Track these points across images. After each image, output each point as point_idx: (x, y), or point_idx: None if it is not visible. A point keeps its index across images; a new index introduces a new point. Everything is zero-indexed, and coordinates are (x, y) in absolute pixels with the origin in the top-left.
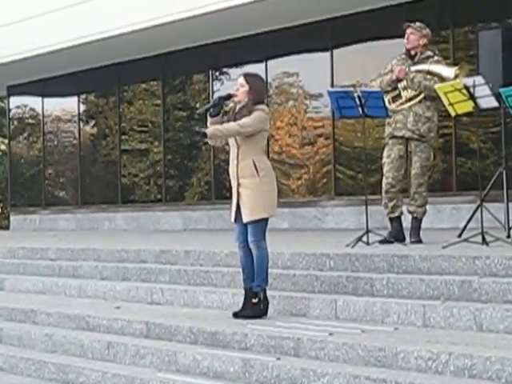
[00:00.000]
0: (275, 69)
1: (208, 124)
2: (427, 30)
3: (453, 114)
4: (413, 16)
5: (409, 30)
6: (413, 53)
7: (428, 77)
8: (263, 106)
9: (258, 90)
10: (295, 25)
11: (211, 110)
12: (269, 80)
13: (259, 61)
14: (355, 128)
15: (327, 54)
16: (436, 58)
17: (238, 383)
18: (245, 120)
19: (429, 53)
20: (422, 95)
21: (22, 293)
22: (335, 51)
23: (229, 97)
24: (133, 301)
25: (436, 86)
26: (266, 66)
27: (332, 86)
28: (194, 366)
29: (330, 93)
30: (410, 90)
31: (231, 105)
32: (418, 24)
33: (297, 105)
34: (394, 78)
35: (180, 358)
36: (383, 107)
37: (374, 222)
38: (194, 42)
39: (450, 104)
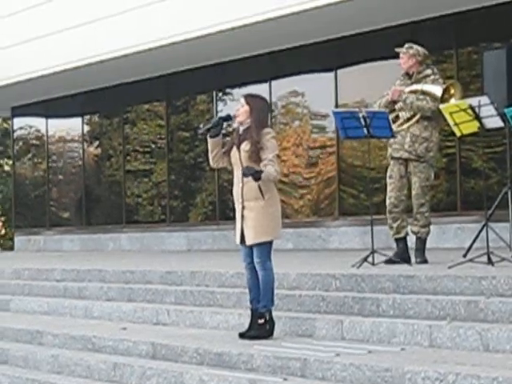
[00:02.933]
0: (280, 89)
1: (209, 146)
2: (414, 47)
3: (458, 134)
4: (417, 36)
5: (401, 54)
6: (410, 72)
7: (421, 97)
8: (270, 130)
9: (260, 111)
10: (299, 45)
11: (211, 130)
12: (273, 100)
13: (263, 81)
14: (360, 148)
15: (331, 74)
16: (433, 76)
17: None
18: (276, 167)
19: (427, 72)
20: (418, 115)
21: (27, 314)
22: (339, 71)
23: (228, 117)
24: (139, 322)
25: (441, 107)
26: (270, 86)
27: (336, 106)
28: None
29: (334, 113)
30: (406, 111)
31: (235, 125)
32: (405, 46)
33: (302, 125)
34: (390, 99)
35: (186, 379)
36: (388, 127)
37: (379, 242)
38: (198, 62)
39: (456, 124)
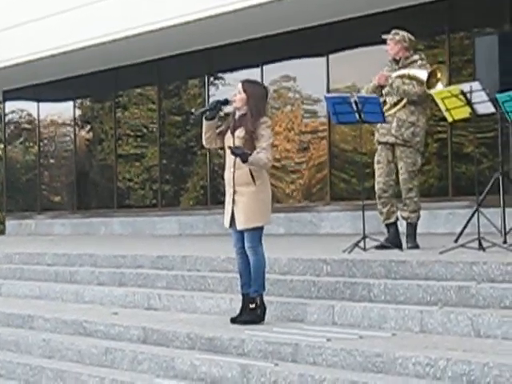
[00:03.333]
0: (271, 74)
1: (203, 128)
2: (400, 34)
3: (450, 119)
4: (409, 21)
5: (388, 40)
6: (397, 58)
7: (407, 81)
8: (266, 119)
9: (257, 99)
10: (291, 30)
11: (207, 113)
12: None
13: (255, 66)
14: (351, 133)
15: (323, 59)
16: (420, 62)
17: None
18: (267, 155)
19: (415, 57)
20: (404, 100)
21: (18, 298)
22: (331, 56)
23: (226, 102)
24: (130, 306)
25: (433, 92)
26: (262, 70)
27: (328, 90)
28: (192, 372)
29: (326, 98)
30: (393, 96)
31: (230, 109)
32: (392, 32)
33: (293, 109)
34: (376, 83)
35: (178, 364)
36: (380, 113)
37: (370, 227)
38: (189, 47)
39: (447, 110)
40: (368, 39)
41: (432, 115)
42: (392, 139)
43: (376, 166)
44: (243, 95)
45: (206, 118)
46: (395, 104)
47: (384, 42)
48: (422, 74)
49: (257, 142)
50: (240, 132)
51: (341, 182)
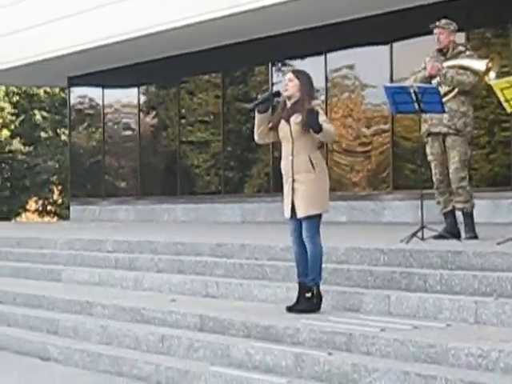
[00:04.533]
0: (335, 62)
1: (256, 121)
2: (454, 24)
3: (509, 110)
4: (471, 10)
5: (437, 30)
6: (444, 50)
7: (461, 71)
8: (318, 102)
9: (308, 84)
10: (356, 18)
11: (260, 106)
12: (328, 73)
13: (319, 53)
14: (414, 121)
15: (387, 48)
16: (468, 52)
17: (290, 377)
18: (330, 125)
19: (460, 48)
20: (455, 90)
21: (78, 284)
22: (394, 45)
23: (278, 94)
24: (188, 294)
25: (492, 83)
26: (326, 58)
27: (391, 80)
28: (247, 360)
29: (386, 88)
30: (444, 86)
31: (280, 100)
32: (443, 21)
33: (354, 97)
34: (427, 74)
35: (233, 352)
36: (439, 103)
37: (431, 217)
38: (255, 34)
39: (506, 100)
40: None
41: (498, 103)
42: (445, 129)
43: (430, 158)
44: (296, 81)
45: (259, 111)
46: (445, 94)
47: (430, 32)
48: (479, 65)
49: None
50: (296, 117)
51: (404, 170)
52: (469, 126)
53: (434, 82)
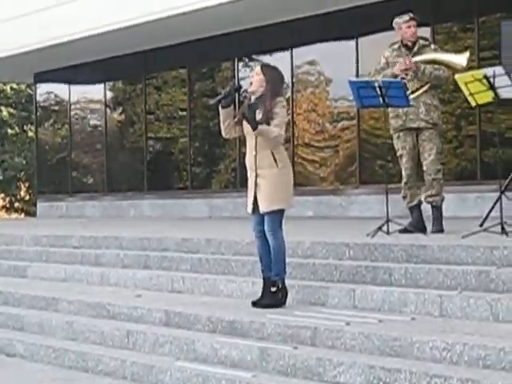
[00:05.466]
0: (301, 57)
1: (221, 117)
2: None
3: (473, 104)
4: (440, 3)
5: (413, 23)
6: (410, 44)
7: (436, 66)
8: (281, 99)
9: (275, 81)
10: (319, 13)
11: (222, 101)
12: (294, 68)
13: (285, 49)
14: (380, 116)
15: (352, 43)
16: (433, 46)
17: (255, 372)
18: (276, 129)
19: (422, 42)
20: (427, 85)
21: (44, 280)
22: (360, 39)
23: (239, 87)
24: (154, 289)
25: (456, 77)
26: (292, 53)
27: (357, 74)
28: (212, 355)
29: (350, 82)
30: (415, 81)
31: (247, 94)
32: (411, 15)
33: (319, 92)
34: (399, 72)
35: (198, 347)
36: (404, 97)
37: (397, 211)
38: (220, 29)
39: (471, 94)
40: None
41: (464, 97)
42: (423, 124)
43: (402, 152)
44: (261, 76)
45: (222, 106)
46: (417, 89)
47: (390, 27)
48: (458, 59)
49: (271, 120)
50: (258, 114)
51: (370, 165)
52: (440, 119)
53: (407, 77)
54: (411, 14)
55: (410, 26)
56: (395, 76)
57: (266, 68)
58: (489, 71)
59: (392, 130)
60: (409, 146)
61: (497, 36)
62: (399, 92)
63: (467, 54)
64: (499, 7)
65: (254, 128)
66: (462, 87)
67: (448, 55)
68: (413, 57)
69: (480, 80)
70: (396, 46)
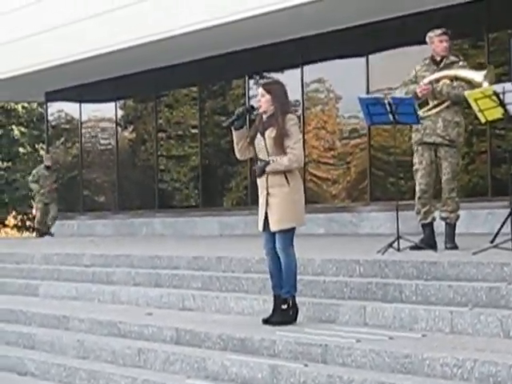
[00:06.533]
0: (312, 74)
1: (234, 138)
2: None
3: (483, 120)
4: (448, 21)
5: (444, 38)
6: (438, 58)
7: (455, 84)
8: (293, 117)
9: (281, 97)
10: (330, 31)
11: (235, 123)
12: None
13: (295, 66)
14: (391, 133)
15: (362, 60)
16: (461, 63)
17: None
18: (291, 156)
19: (453, 58)
20: (448, 101)
21: (55, 299)
22: (371, 56)
23: (252, 108)
24: (165, 307)
25: (465, 93)
26: (302, 70)
27: (368, 91)
28: (223, 373)
29: (360, 99)
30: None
31: (257, 113)
32: (443, 30)
33: (330, 109)
34: (420, 95)
35: (209, 365)
36: (414, 114)
37: (409, 228)
38: (231, 47)
39: (480, 110)
40: (407, 39)
41: (474, 115)
42: (439, 139)
43: (418, 167)
44: (267, 96)
45: (235, 128)
46: (438, 104)
47: (421, 42)
48: (474, 75)
49: (286, 139)
50: (271, 132)
51: (382, 182)
52: (461, 137)
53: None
54: (444, 29)
55: (441, 41)
56: (417, 94)
57: (269, 86)
58: (498, 87)
59: (412, 143)
60: (426, 162)
61: (507, 52)
62: (409, 109)
63: (484, 71)
64: (509, 23)
65: (262, 173)
66: (472, 104)
67: (468, 71)
68: (440, 72)
69: (490, 96)
70: (427, 61)
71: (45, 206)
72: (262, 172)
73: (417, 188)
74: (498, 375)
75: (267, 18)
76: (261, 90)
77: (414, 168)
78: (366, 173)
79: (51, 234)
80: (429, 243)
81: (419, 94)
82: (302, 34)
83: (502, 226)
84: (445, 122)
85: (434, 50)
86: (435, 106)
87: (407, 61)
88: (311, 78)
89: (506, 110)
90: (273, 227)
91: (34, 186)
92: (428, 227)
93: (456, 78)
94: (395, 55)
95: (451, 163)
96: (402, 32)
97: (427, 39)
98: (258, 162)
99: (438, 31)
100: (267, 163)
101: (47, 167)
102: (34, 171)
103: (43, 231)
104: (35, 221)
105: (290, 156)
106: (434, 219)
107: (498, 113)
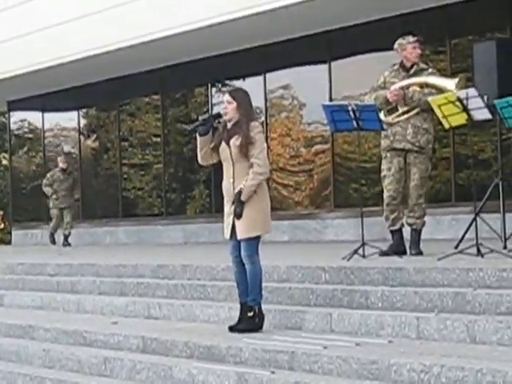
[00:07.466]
0: (274, 82)
1: (198, 144)
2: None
3: (447, 126)
4: (409, 28)
5: (416, 45)
6: (409, 65)
7: (426, 91)
8: (257, 124)
9: (246, 104)
10: (292, 38)
11: (199, 128)
12: (268, 92)
13: (258, 73)
14: (354, 140)
15: (325, 67)
16: (431, 70)
17: None
18: (257, 168)
19: (423, 65)
20: (418, 108)
21: (20, 308)
22: (333, 63)
23: (218, 115)
24: (130, 316)
25: (429, 99)
26: (265, 78)
27: (330, 98)
28: (190, 381)
29: (324, 106)
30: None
31: (221, 121)
32: (416, 36)
33: (293, 116)
34: (390, 100)
35: (175, 373)
36: (377, 120)
37: (373, 234)
38: (193, 55)
39: (444, 116)
40: (369, 46)
41: (438, 120)
42: (408, 145)
43: (386, 174)
44: (234, 104)
45: (200, 134)
46: (408, 111)
47: (386, 48)
48: (447, 83)
49: (251, 147)
50: (236, 140)
51: (345, 188)
52: (430, 143)
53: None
54: (417, 36)
55: (415, 47)
56: (387, 100)
57: (235, 93)
58: (462, 93)
59: (381, 149)
60: (395, 168)
61: (469, 58)
62: (372, 115)
63: (456, 79)
64: (471, 30)
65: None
66: (436, 110)
67: (439, 79)
68: (410, 78)
69: (453, 102)
70: (396, 67)
71: (60, 211)
72: (242, 206)
73: (385, 194)
74: (465, 380)
75: (227, 27)
76: (227, 96)
77: (382, 174)
78: (330, 180)
79: (69, 244)
80: (398, 250)
81: (390, 99)
82: (265, 42)
83: (466, 231)
84: (414, 129)
85: (406, 57)
86: (405, 113)
87: (370, 67)
88: (274, 85)
89: (469, 116)
90: (240, 235)
91: (47, 189)
92: (397, 233)
93: (426, 85)
94: (357, 62)
95: (420, 169)
96: (364, 39)
97: (396, 46)
98: (224, 175)
99: (411, 38)
100: (239, 194)
101: (63, 170)
102: (48, 174)
103: (53, 239)
104: (50, 226)
105: (255, 169)
106: (402, 225)
107: (461, 119)
